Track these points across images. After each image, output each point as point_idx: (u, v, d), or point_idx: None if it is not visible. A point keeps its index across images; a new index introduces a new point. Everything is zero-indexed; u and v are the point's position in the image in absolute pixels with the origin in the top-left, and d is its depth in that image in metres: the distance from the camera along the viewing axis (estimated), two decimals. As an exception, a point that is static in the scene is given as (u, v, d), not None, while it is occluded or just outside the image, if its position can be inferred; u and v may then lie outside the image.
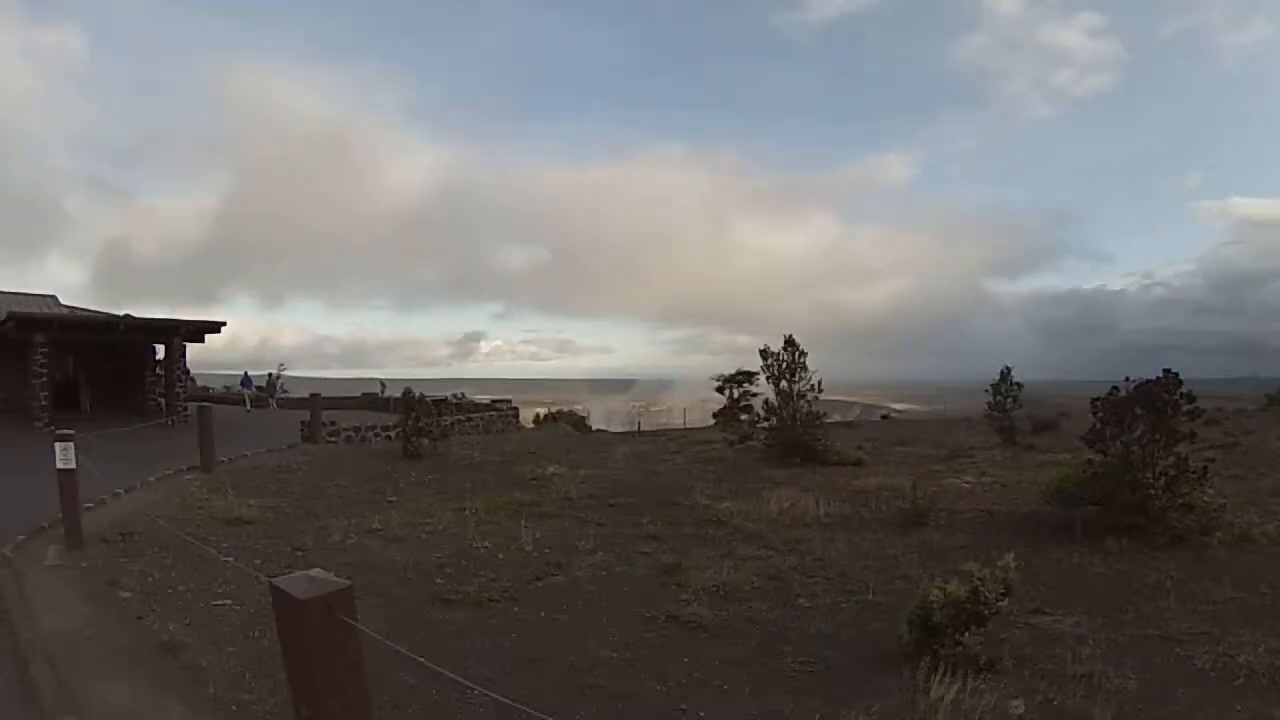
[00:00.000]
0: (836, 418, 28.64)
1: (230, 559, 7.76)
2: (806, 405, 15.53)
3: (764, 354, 16.28)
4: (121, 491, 11.23)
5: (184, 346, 24.85)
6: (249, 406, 31.91)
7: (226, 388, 37.57)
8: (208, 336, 25.54)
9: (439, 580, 7.45)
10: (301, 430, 18.35)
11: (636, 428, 33.62)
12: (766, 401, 16.47)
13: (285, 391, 37.35)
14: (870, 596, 6.71)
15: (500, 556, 8.37)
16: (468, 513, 10.55)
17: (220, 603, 6.70)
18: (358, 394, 36.00)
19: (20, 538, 8.69)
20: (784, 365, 15.92)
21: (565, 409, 35.49)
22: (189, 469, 13.61)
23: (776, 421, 15.84)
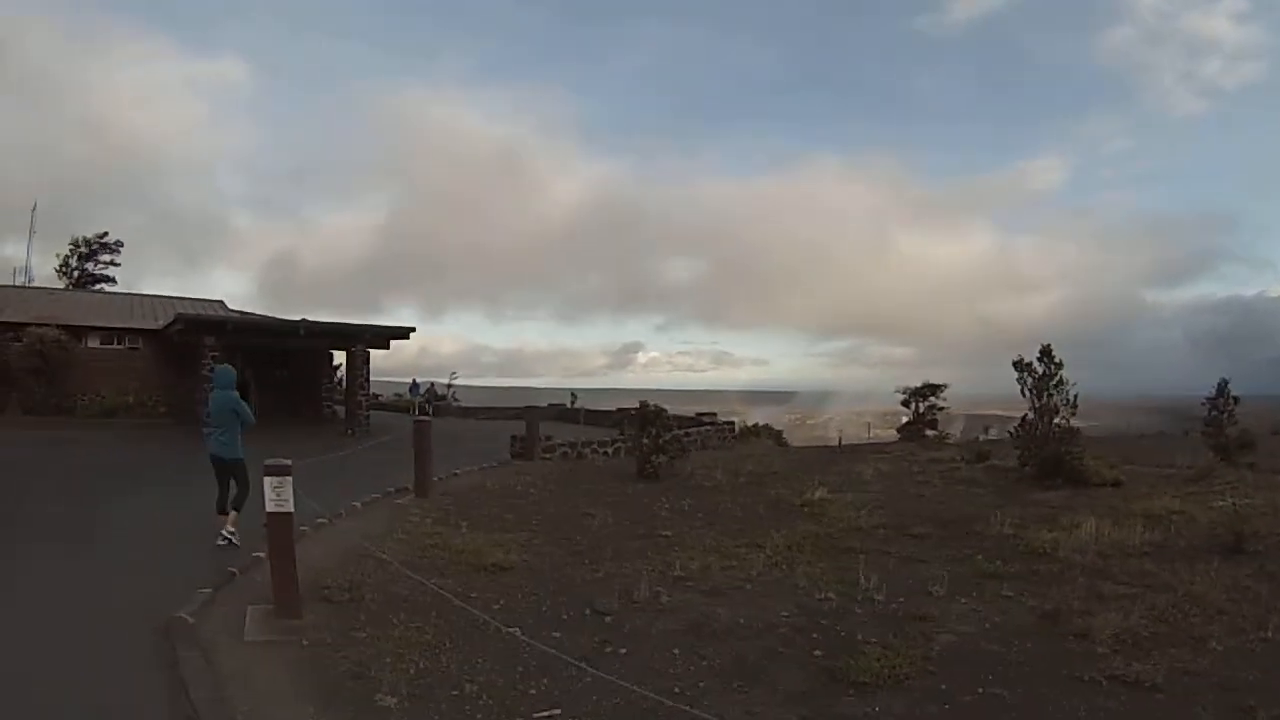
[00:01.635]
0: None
1: (519, 632, 5.67)
2: (1065, 421, 13.97)
3: (1018, 366, 14.68)
4: (326, 520, 8.93)
5: (367, 354, 23.01)
6: (416, 414, 30.09)
7: (398, 395, 35.79)
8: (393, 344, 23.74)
9: (818, 652, 5.60)
10: (512, 445, 16.10)
11: (839, 442, 29.98)
12: (1024, 419, 14.53)
13: (457, 400, 35.51)
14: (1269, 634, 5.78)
15: (857, 611, 6.58)
16: (768, 551, 8.55)
17: (543, 714, 4.46)
18: (543, 404, 33.78)
19: (203, 592, 6.37)
20: (1039, 377, 14.39)
21: (758, 423, 32.30)
22: (397, 491, 11.43)
23: (1029, 438, 14.21)
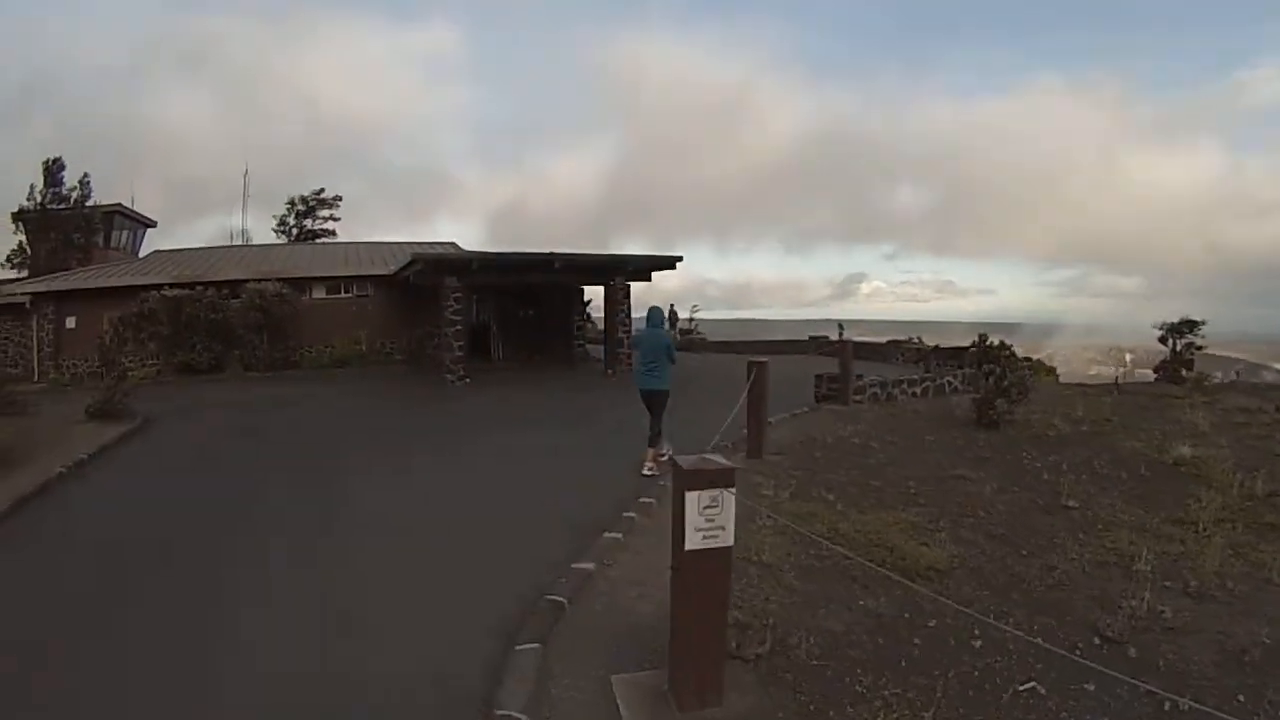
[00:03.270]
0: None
1: (1039, 687, 4.32)
2: None
3: None
4: (651, 501, 7.99)
5: (628, 287, 22.09)
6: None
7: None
8: (670, 275, 23.03)
9: None
10: (817, 386, 14.79)
11: (1115, 381, 26.81)
12: None
13: (701, 335, 34.45)
14: None
15: None
16: (1201, 529, 7.30)
17: None
18: (803, 337, 31.98)
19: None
20: None
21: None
22: (715, 449, 9.86)
23: None
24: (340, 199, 47.62)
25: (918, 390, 15.53)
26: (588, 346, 25.05)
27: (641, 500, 7.82)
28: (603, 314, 22.80)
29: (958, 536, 6.90)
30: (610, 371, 20.83)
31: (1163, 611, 5.29)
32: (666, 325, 32.03)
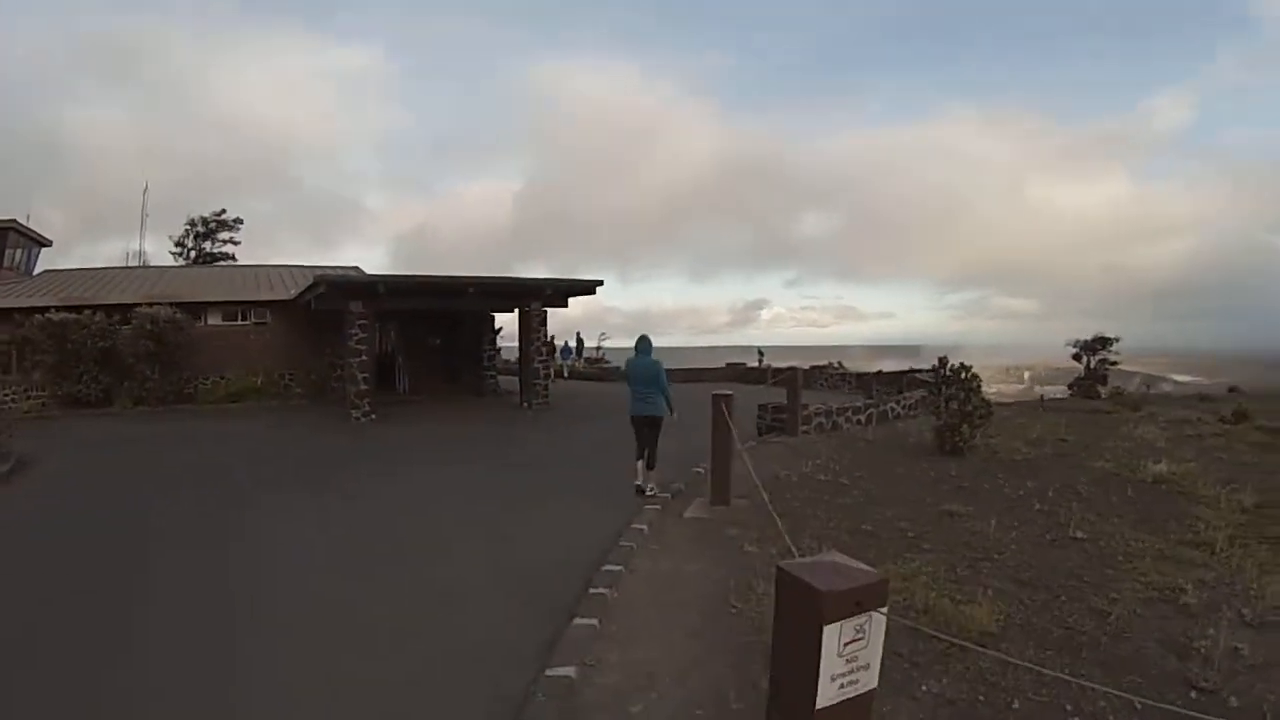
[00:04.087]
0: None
1: None
2: None
3: None
4: (620, 569, 6.57)
5: (544, 314, 20.39)
6: (565, 375, 27.59)
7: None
8: (572, 301, 21.14)
9: None
10: (761, 417, 13.79)
11: (1042, 398, 27.26)
12: None
13: (607, 362, 33.19)
14: None
15: None
16: (1219, 552, 6.81)
17: None
18: (719, 364, 30.98)
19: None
20: None
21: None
22: (677, 497, 9.44)
23: None
24: (241, 221, 45.04)
25: (862, 418, 14.72)
26: (499, 377, 23.48)
27: (605, 568, 6.41)
28: (516, 343, 21.24)
29: (986, 585, 5.84)
30: (526, 404, 19.20)
31: (1238, 648, 4.71)
32: (573, 356, 31.16)
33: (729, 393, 8.67)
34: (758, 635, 4.83)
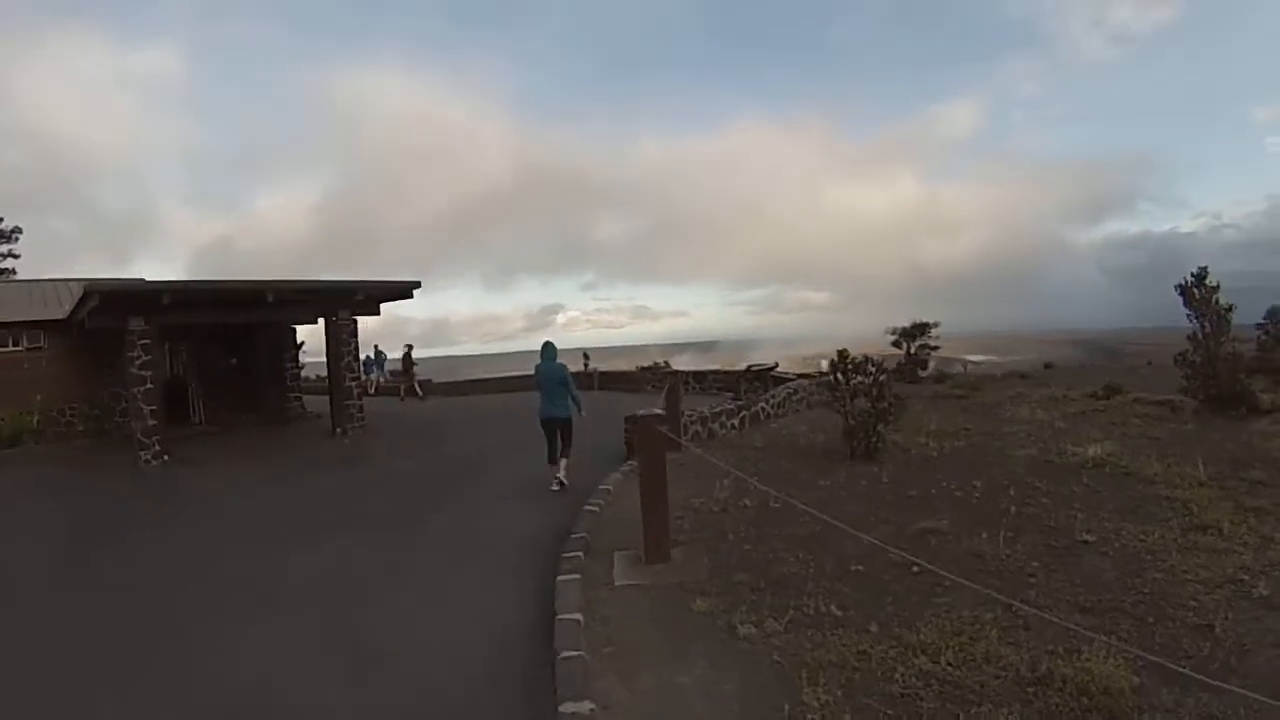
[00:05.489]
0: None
1: None
2: (1232, 348, 13.24)
3: (1181, 289, 13.47)
4: None
5: (355, 324, 17.17)
6: (372, 391, 24.95)
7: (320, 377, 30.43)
8: (384, 307, 18.14)
9: None
10: (629, 431, 11.34)
11: None
12: (1191, 348, 13.45)
13: (419, 374, 30.15)
14: None
15: None
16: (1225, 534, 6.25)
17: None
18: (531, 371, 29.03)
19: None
20: (1200, 301, 13.27)
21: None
22: (594, 552, 6.98)
23: (1203, 367, 13.23)
24: (20, 231, 38.54)
25: (735, 422, 13.26)
26: (304, 399, 20.26)
27: (564, 712, 4.02)
28: (324, 358, 17.83)
29: (1056, 624, 4.42)
30: (340, 431, 16.20)
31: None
32: (376, 371, 28.24)
33: (657, 411, 6.85)
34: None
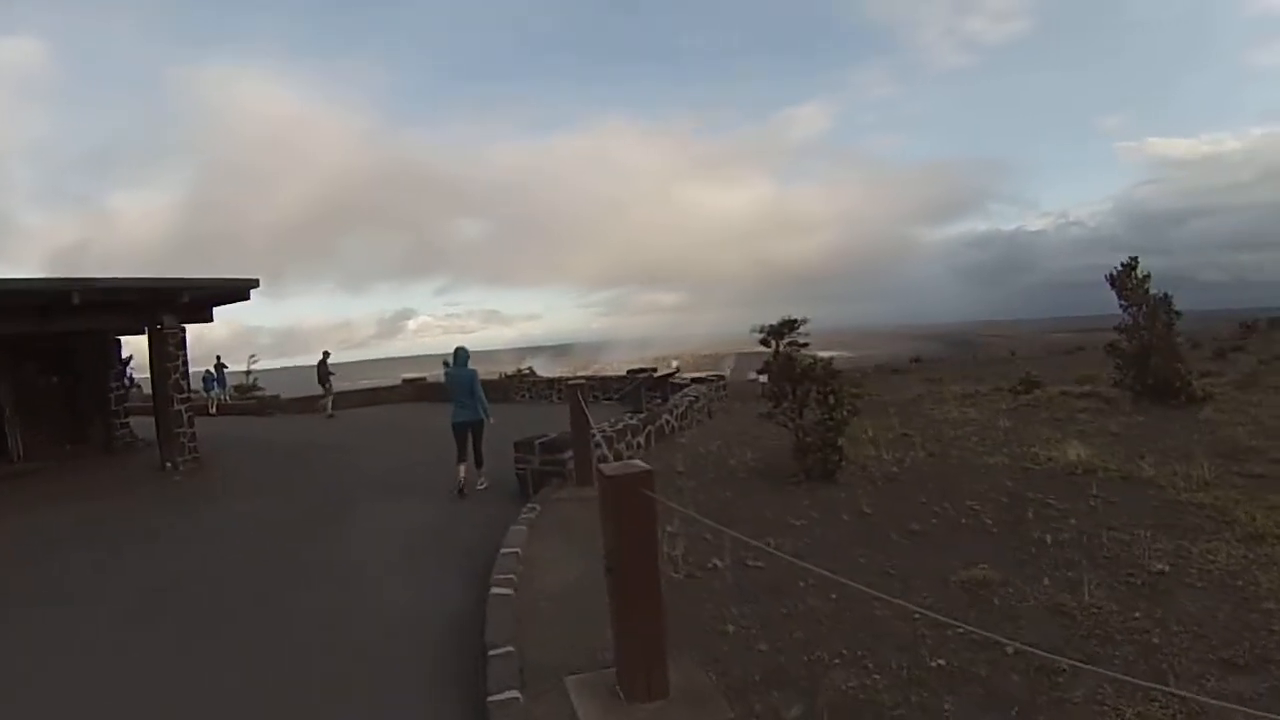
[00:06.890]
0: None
1: None
2: (1168, 334, 13.20)
3: (1111, 280, 13.64)
4: None
5: (183, 332, 14.10)
6: (213, 411, 22.28)
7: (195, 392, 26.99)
8: (228, 313, 15.42)
9: None
10: (525, 463, 9.62)
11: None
12: (1124, 338, 13.42)
13: (262, 389, 28.00)
14: None
15: None
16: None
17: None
18: (395, 381, 27.19)
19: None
20: (1132, 290, 13.45)
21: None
22: (526, 676, 4.22)
23: (1137, 357, 13.27)
24: None
25: (641, 439, 11.51)
26: (132, 423, 16.81)
27: None
28: (149, 373, 14.27)
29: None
30: (170, 465, 13.24)
31: None
32: (217, 389, 25.41)
33: (646, 466, 4.00)
34: None
